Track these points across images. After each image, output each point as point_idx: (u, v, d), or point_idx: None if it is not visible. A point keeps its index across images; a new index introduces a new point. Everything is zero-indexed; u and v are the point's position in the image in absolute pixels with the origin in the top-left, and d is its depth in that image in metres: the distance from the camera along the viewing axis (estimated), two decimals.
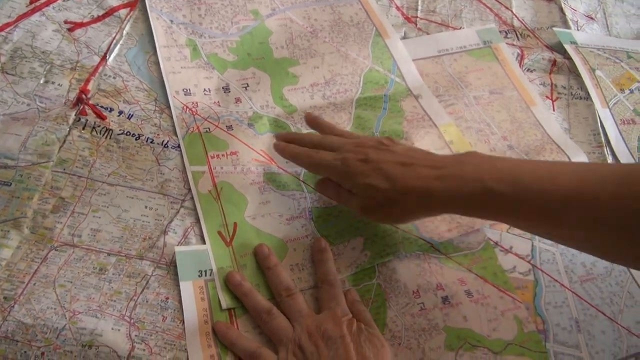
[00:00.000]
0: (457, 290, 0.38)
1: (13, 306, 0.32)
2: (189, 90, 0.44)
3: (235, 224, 0.38)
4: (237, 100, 0.45)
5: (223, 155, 0.41)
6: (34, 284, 0.33)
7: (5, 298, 0.32)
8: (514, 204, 0.28)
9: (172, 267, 0.36)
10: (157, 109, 0.43)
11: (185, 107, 0.43)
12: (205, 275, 0.36)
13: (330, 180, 0.36)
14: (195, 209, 0.38)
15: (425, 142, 0.45)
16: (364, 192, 0.33)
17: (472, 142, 0.46)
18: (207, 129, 0.42)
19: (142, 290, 0.34)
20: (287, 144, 0.39)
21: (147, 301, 0.34)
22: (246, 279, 0.36)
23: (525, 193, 0.27)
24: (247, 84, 0.45)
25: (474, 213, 0.31)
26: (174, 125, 0.42)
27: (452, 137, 0.46)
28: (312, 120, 0.41)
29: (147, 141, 0.41)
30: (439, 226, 0.41)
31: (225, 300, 0.35)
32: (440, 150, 0.45)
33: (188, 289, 0.35)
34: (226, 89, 0.45)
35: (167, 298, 0.35)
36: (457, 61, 0.51)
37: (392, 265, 0.39)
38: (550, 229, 0.29)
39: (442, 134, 0.46)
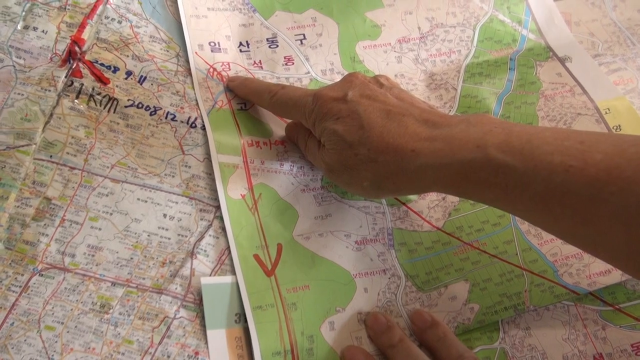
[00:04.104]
0: None
1: None
2: (218, 44, 0.39)
3: (279, 245, 0.34)
4: (288, 60, 0.40)
5: (265, 143, 0.37)
6: (12, 324, 0.30)
7: None
8: (521, 183, 0.26)
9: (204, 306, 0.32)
10: (180, 69, 0.38)
11: (211, 70, 0.38)
12: (246, 320, 0.31)
13: (303, 125, 0.35)
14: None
15: (575, 129, 0.39)
16: (330, 142, 0.31)
17: None
18: (242, 106, 0.38)
19: (162, 339, 0.31)
20: (246, 77, 0.38)
21: (168, 356, 0.30)
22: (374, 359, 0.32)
23: (539, 168, 0.25)
24: (304, 36, 0.41)
25: (469, 192, 0.29)
26: None
27: (621, 119, 0.40)
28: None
29: (166, 117, 0.37)
30: (590, 265, 0.35)
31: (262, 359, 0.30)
32: None
33: (219, 341, 0.31)
34: (272, 42, 0.41)
35: (197, 353, 0.31)
36: (626, 1, 0.45)
37: (524, 323, 0.34)
38: (572, 224, 0.26)
39: (603, 115, 0.40)
